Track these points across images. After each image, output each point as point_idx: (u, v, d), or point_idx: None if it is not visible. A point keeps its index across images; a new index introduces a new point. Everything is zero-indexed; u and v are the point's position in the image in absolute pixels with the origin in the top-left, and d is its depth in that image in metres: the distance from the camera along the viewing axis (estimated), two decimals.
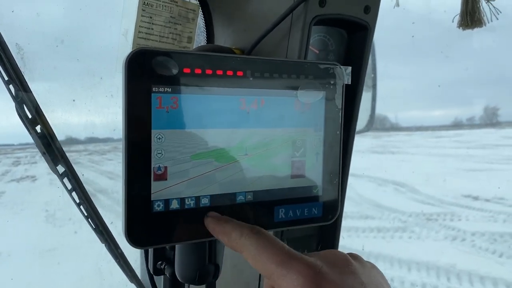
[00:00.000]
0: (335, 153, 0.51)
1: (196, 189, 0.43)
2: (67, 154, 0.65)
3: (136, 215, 0.41)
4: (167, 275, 0.56)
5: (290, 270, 0.35)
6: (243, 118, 0.45)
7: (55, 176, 0.66)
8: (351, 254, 0.41)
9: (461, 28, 0.68)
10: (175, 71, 0.41)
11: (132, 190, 0.40)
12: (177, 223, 0.43)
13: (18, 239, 4.05)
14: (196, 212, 0.44)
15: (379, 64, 0.90)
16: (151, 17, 0.66)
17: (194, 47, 0.74)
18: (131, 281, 0.80)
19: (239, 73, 0.44)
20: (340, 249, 0.76)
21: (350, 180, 0.77)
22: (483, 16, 0.67)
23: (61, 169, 0.65)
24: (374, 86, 0.92)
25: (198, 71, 0.42)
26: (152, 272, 0.58)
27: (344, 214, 0.76)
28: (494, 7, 0.67)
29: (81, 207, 0.68)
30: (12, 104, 0.60)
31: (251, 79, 0.45)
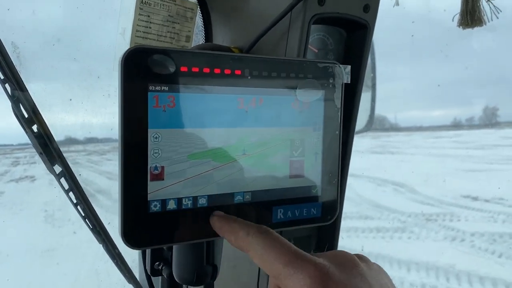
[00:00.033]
0: (334, 153, 0.50)
1: (194, 189, 0.43)
2: (66, 155, 0.65)
3: (132, 216, 0.40)
4: (165, 276, 0.56)
5: (297, 270, 0.35)
6: (241, 117, 0.44)
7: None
8: (358, 256, 0.40)
9: (461, 27, 0.68)
10: (172, 70, 0.40)
11: (129, 190, 0.40)
12: (174, 223, 0.42)
13: (17, 240, 4.04)
14: (194, 212, 0.43)
15: (379, 64, 0.90)
16: (149, 16, 0.65)
17: (192, 46, 0.74)
18: (129, 281, 0.79)
19: (237, 72, 0.44)
20: (339, 249, 0.76)
21: (350, 180, 0.77)
22: (483, 15, 0.67)
23: (58, 169, 0.64)
24: (373, 86, 0.92)
25: (195, 69, 0.42)
26: (149, 273, 0.57)
27: (343, 214, 0.76)
28: (494, 6, 0.67)
29: (78, 207, 0.68)
30: (8, 104, 0.60)
31: (249, 77, 0.44)
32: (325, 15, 0.63)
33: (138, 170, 0.40)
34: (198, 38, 0.79)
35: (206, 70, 0.42)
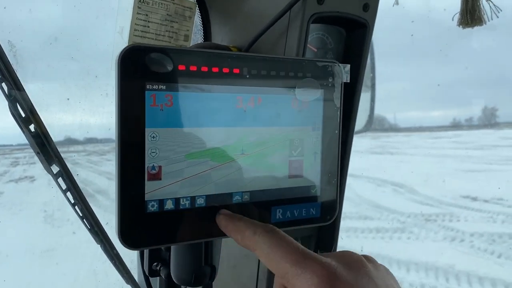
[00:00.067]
0: (333, 153, 0.50)
1: (191, 189, 0.42)
2: (66, 155, 0.64)
3: (129, 216, 0.40)
4: (163, 276, 0.55)
5: (305, 269, 0.35)
6: (239, 116, 0.44)
7: None
8: (365, 256, 0.40)
9: (461, 26, 0.67)
10: (169, 68, 0.40)
11: (126, 190, 0.39)
12: (171, 223, 0.42)
13: (16, 240, 4.04)
14: (192, 212, 0.43)
15: (378, 64, 0.90)
16: (147, 15, 0.65)
17: (191, 45, 0.73)
18: (127, 282, 0.79)
19: (236, 71, 0.43)
20: (338, 250, 0.76)
21: (349, 181, 0.77)
22: (483, 14, 0.67)
23: (55, 168, 0.64)
24: (373, 86, 0.92)
25: (193, 68, 0.41)
26: (147, 274, 0.57)
27: (342, 215, 0.75)
28: (494, 5, 0.66)
29: (76, 207, 0.67)
30: (5, 103, 0.59)
31: (247, 76, 0.44)
32: (324, 14, 0.62)
33: (135, 170, 0.39)
34: (196, 37, 0.79)
35: (204, 68, 0.42)
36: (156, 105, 0.40)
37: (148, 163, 0.40)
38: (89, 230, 0.70)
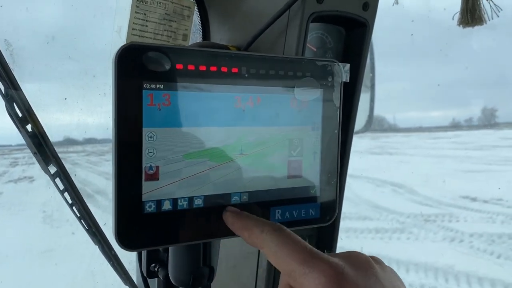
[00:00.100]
0: (333, 153, 0.49)
1: (189, 190, 0.42)
2: (66, 155, 0.64)
3: (126, 216, 0.39)
4: (161, 278, 0.55)
5: (312, 269, 0.35)
6: (238, 116, 0.44)
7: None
8: (372, 257, 0.40)
9: (461, 26, 0.67)
10: (167, 67, 0.39)
11: (123, 191, 0.39)
12: (169, 224, 0.41)
13: (15, 240, 4.03)
14: (190, 213, 0.42)
15: (378, 64, 0.89)
16: (145, 14, 0.65)
17: (189, 45, 0.73)
18: (125, 283, 0.78)
19: (234, 70, 0.43)
20: (338, 250, 0.75)
21: (348, 181, 0.76)
22: (484, 13, 0.66)
23: (52, 169, 0.64)
24: (372, 87, 0.91)
25: (191, 67, 0.41)
26: (145, 275, 0.56)
27: (342, 215, 0.75)
28: (494, 4, 0.66)
29: (74, 207, 0.67)
30: (2, 103, 0.59)
31: (246, 76, 0.43)
32: (324, 13, 0.62)
33: (133, 170, 0.39)
34: (195, 36, 0.78)
35: (202, 68, 0.41)
36: (154, 105, 0.39)
37: (145, 163, 0.39)
38: (87, 231, 0.69)
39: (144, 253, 0.56)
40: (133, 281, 0.78)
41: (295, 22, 0.61)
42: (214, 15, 0.77)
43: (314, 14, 0.61)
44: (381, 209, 5.91)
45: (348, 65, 0.49)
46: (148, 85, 0.39)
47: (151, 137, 0.39)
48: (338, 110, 0.49)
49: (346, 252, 0.39)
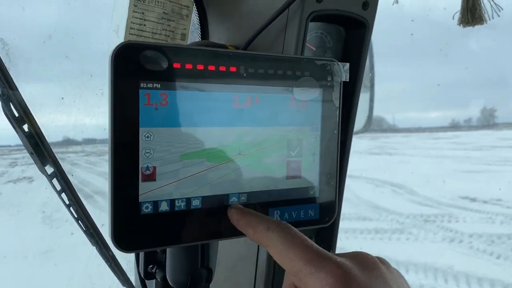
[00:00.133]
0: (332, 153, 0.49)
1: (187, 190, 0.41)
2: (65, 156, 0.63)
3: (123, 218, 0.39)
4: (159, 279, 0.54)
5: (319, 268, 0.34)
6: (236, 116, 0.43)
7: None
8: (379, 258, 0.39)
9: (461, 25, 0.67)
10: (164, 66, 0.39)
11: (119, 191, 0.38)
12: (166, 225, 0.41)
13: (14, 241, 4.02)
14: (187, 214, 0.42)
15: (377, 64, 0.89)
16: (143, 13, 0.64)
17: (187, 44, 0.72)
18: (123, 284, 0.78)
19: (232, 69, 0.42)
20: (338, 251, 0.75)
21: (348, 181, 0.76)
22: (484, 13, 0.66)
23: (49, 169, 0.63)
24: (372, 87, 0.91)
25: (189, 66, 0.40)
26: (142, 276, 0.56)
27: (341, 216, 0.75)
28: (495, 3, 0.66)
29: (71, 208, 0.66)
30: None
31: (245, 75, 0.43)
32: (323, 12, 0.61)
33: (129, 171, 0.38)
34: (194, 36, 0.78)
35: (200, 67, 0.41)
36: (151, 104, 0.39)
37: (142, 164, 0.39)
38: (84, 231, 0.69)
39: (141, 254, 0.55)
40: (131, 282, 0.77)
41: (294, 21, 0.60)
42: (213, 14, 0.77)
43: (313, 13, 0.60)
44: (381, 209, 5.92)
45: (347, 65, 0.48)
46: (145, 84, 0.38)
47: (148, 137, 0.39)
48: (338, 110, 0.48)
49: (353, 252, 0.39)
